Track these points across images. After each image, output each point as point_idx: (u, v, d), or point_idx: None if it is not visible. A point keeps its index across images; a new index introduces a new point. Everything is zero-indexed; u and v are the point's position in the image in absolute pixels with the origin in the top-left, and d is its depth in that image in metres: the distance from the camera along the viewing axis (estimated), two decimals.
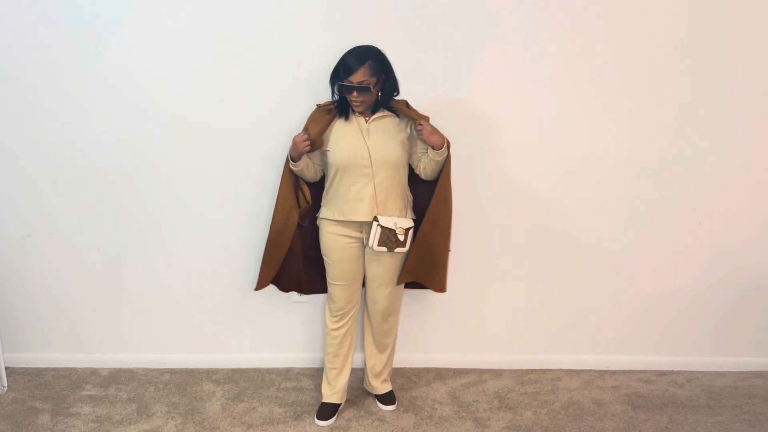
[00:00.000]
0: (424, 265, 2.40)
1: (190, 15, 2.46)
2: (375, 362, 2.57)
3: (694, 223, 2.81)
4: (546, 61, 2.57)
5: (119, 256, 2.73)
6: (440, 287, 2.47)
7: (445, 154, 2.25)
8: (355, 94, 2.15)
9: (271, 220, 2.39)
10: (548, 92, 2.61)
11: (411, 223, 2.32)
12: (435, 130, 2.21)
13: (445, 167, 2.30)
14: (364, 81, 2.12)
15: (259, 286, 2.49)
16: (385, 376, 2.60)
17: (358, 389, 2.69)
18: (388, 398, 2.60)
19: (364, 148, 2.23)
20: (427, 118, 2.29)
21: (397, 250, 2.28)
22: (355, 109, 2.23)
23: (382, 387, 2.60)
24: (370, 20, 2.48)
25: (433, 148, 2.23)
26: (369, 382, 2.62)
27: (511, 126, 2.65)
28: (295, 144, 2.22)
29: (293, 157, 2.26)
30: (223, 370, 2.86)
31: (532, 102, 2.62)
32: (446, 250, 2.42)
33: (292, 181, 2.36)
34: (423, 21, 2.50)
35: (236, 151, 2.62)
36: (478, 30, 2.52)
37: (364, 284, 2.48)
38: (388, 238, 2.24)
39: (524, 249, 2.81)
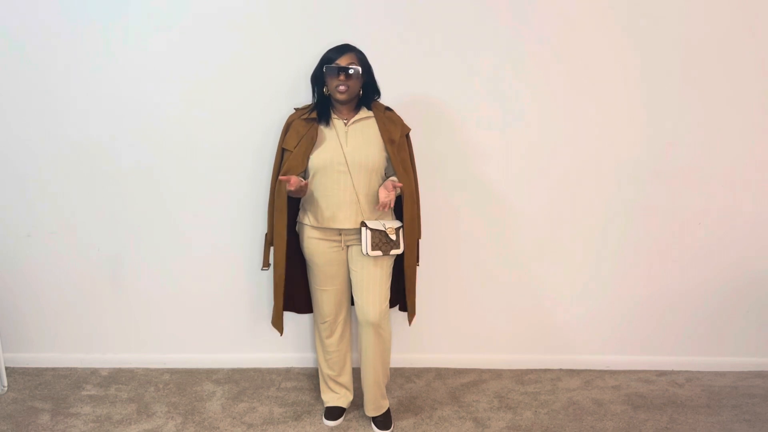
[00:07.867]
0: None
1: (196, 15, 2.47)
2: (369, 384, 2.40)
3: (693, 222, 2.80)
4: (543, 61, 2.58)
5: (119, 256, 2.73)
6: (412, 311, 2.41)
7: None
8: (342, 77, 2.11)
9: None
10: (547, 92, 2.62)
11: (399, 223, 2.26)
12: (389, 198, 2.13)
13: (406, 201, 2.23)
14: (352, 63, 2.12)
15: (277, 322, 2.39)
16: (381, 390, 2.42)
17: (357, 389, 2.68)
18: (384, 422, 2.42)
19: (340, 152, 2.17)
20: (408, 129, 2.29)
21: (393, 252, 2.22)
22: (339, 97, 2.15)
23: (377, 405, 2.42)
24: (362, 22, 2.50)
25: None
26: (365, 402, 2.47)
27: (511, 128, 2.65)
28: (291, 192, 2.10)
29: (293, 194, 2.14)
30: (223, 370, 2.86)
31: (532, 102, 2.63)
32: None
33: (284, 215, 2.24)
34: (409, 23, 2.51)
35: (237, 153, 2.62)
36: (466, 31, 2.53)
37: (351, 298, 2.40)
38: (381, 241, 2.18)
39: (524, 249, 2.81)
